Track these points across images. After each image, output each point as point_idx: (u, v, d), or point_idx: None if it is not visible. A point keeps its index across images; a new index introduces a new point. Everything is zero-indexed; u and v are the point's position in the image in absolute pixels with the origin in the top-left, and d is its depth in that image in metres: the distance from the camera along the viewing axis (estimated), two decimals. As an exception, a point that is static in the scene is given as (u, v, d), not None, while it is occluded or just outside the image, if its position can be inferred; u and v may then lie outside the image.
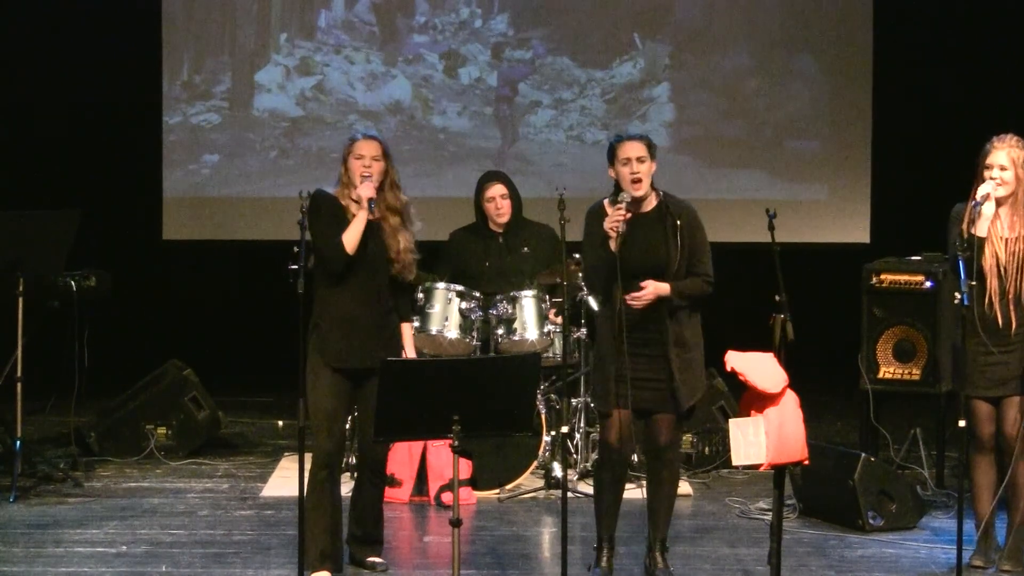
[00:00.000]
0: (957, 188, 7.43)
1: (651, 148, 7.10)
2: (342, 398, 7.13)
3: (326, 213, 7.07)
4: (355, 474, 7.51)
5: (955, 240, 7.16)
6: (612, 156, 7.10)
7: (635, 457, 8.78)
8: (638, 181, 7.02)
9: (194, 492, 8.93)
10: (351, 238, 7.04)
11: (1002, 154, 7.24)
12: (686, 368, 7.05)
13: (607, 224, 6.96)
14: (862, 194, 12.14)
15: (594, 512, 7.24)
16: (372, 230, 7.09)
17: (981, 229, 7.19)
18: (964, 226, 7.21)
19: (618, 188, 7.08)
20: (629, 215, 6.98)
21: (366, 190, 7.06)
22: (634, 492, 7.90)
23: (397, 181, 7.23)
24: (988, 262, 7.21)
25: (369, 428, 6.89)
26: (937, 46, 12.03)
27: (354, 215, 7.07)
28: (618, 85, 12.11)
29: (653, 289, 6.97)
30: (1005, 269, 7.22)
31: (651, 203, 7.12)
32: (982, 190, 7.18)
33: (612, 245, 6.95)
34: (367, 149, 7.14)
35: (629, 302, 6.96)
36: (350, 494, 7.38)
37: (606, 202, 7.10)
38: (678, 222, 7.07)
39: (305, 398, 6.93)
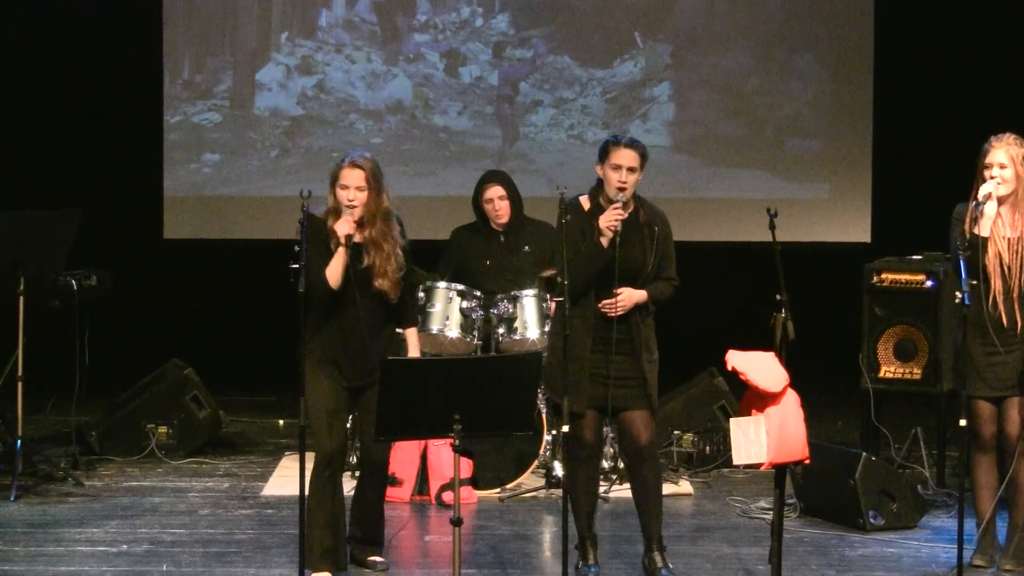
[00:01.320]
0: (957, 188, 7.43)
1: (644, 159, 7.11)
2: (342, 399, 7.12)
3: (313, 241, 6.96)
4: (357, 474, 7.51)
5: (956, 240, 7.16)
6: (604, 155, 7.11)
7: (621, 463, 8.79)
8: (622, 190, 7.04)
9: (195, 491, 8.94)
10: (333, 275, 6.96)
11: (1001, 152, 7.24)
12: (652, 371, 7.15)
13: (604, 223, 6.98)
14: (863, 193, 12.14)
15: (572, 512, 7.20)
16: (359, 251, 7.02)
17: (984, 229, 7.19)
18: (966, 226, 7.21)
19: (599, 185, 7.11)
20: (626, 215, 7.00)
21: (343, 227, 6.97)
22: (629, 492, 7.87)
23: (387, 207, 7.09)
24: (992, 262, 7.21)
25: (370, 430, 6.90)
26: (937, 46, 12.03)
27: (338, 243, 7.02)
28: (619, 84, 12.11)
29: (627, 297, 7.03)
30: (1009, 268, 7.22)
31: (629, 207, 7.14)
32: (984, 189, 7.18)
33: (604, 243, 6.97)
34: (351, 179, 7.02)
35: (604, 310, 7.00)
36: (351, 493, 7.38)
37: (583, 199, 7.13)
38: (655, 228, 7.11)
39: (305, 397, 6.92)
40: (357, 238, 7.03)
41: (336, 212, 7.05)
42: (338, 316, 7.06)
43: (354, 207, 7.00)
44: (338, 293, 7.01)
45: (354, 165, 7.04)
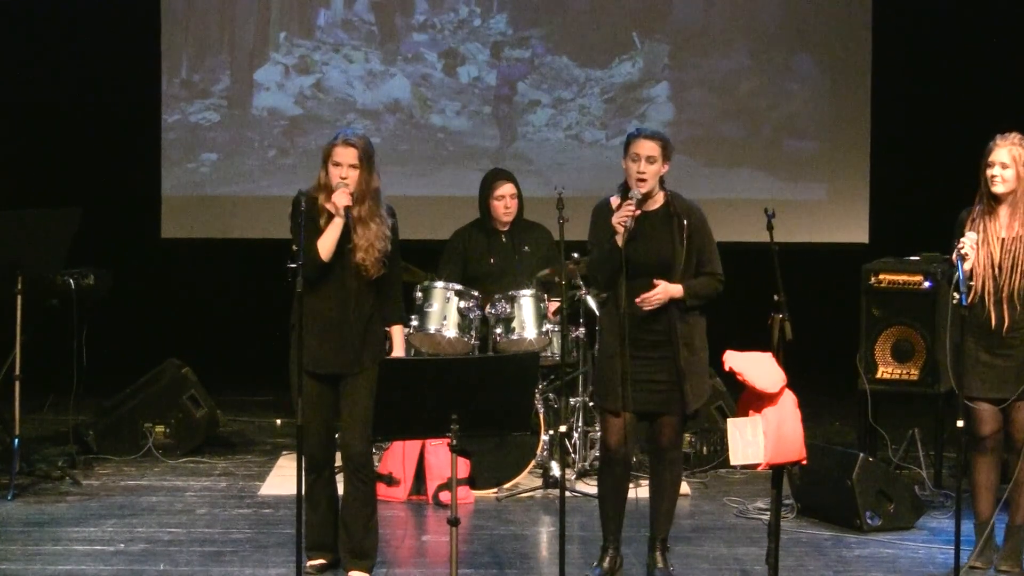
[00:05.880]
0: (956, 188, 7.44)
1: (666, 149, 7.03)
2: (325, 403, 7.07)
3: (304, 217, 6.94)
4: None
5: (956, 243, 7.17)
6: (625, 148, 7.07)
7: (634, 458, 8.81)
8: (642, 181, 7.00)
9: (192, 490, 8.94)
10: (325, 245, 6.94)
11: (1003, 151, 7.24)
12: (693, 371, 7.06)
13: (615, 219, 6.94)
14: (861, 194, 12.14)
15: (599, 514, 7.24)
16: (347, 234, 6.99)
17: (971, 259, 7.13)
18: (966, 229, 7.22)
19: (626, 182, 7.07)
20: (638, 212, 6.96)
21: (341, 198, 6.94)
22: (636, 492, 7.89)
23: (377, 186, 7.06)
24: (982, 263, 7.20)
25: (349, 420, 6.94)
26: (937, 46, 12.03)
27: (330, 217, 6.98)
28: (617, 84, 12.11)
29: (663, 290, 6.97)
30: (1000, 268, 7.21)
31: (658, 201, 7.10)
32: (962, 246, 7.08)
33: (619, 240, 6.94)
34: (344, 156, 6.99)
35: (639, 303, 6.96)
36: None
37: (613, 199, 7.09)
38: (684, 222, 7.05)
39: (302, 397, 6.89)
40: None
41: (327, 188, 7.02)
42: (322, 294, 6.98)
43: (347, 184, 6.99)
44: (327, 269, 6.96)
45: (347, 143, 7.01)
